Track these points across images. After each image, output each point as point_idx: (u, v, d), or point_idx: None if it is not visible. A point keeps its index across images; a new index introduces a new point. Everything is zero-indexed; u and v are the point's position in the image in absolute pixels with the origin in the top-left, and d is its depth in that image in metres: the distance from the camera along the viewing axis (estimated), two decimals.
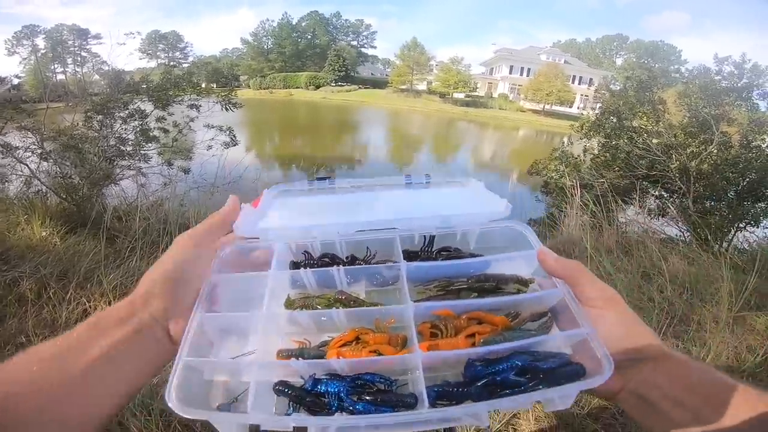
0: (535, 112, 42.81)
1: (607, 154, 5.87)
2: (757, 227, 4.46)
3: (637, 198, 4.95)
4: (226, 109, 5.45)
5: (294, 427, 0.42)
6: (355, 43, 63.61)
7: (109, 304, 2.34)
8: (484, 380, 0.46)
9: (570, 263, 0.53)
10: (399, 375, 0.50)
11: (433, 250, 0.66)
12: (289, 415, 0.47)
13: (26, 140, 4.20)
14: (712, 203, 4.78)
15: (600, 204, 4.32)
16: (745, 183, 4.63)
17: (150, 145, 4.95)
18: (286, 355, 0.52)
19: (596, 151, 6.20)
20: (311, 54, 58.93)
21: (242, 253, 0.63)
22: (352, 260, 0.66)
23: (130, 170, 4.69)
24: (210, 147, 5.24)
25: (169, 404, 0.41)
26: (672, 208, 4.78)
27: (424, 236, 0.65)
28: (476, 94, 48.47)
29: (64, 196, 4.05)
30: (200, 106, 5.26)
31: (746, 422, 0.38)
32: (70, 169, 4.20)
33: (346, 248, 0.66)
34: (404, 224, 0.66)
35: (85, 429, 0.41)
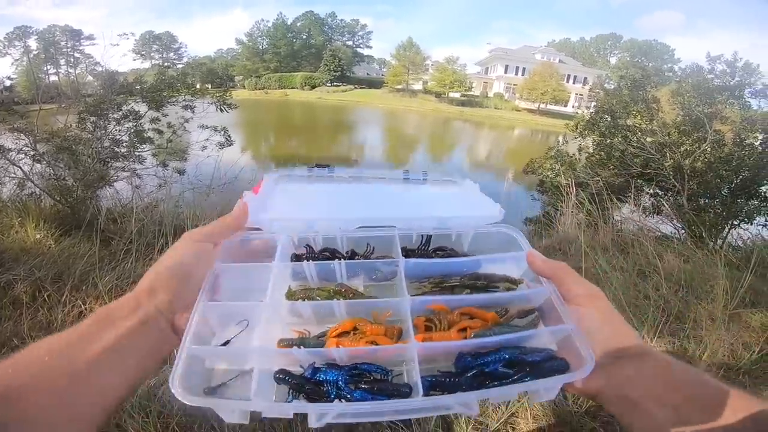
0: (530, 111, 42.95)
1: (602, 153, 5.90)
2: (751, 224, 4.50)
3: (632, 196, 4.99)
4: (221, 110, 5.42)
5: (294, 414, 0.43)
6: (350, 43, 63.60)
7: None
8: (473, 371, 0.48)
9: (556, 264, 0.57)
10: (394, 366, 0.52)
11: (429, 249, 0.69)
12: (289, 402, 0.49)
13: (19, 142, 4.16)
14: (706, 201, 4.81)
15: (595, 202, 4.35)
16: (738, 180, 4.67)
17: (144, 146, 4.91)
18: (286, 344, 0.53)
19: (591, 150, 6.23)
20: (306, 54, 58.85)
21: (245, 244, 0.65)
22: (352, 255, 0.68)
23: (125, 172, 4.66)
24: (205, 147, 5.21)
25: (174, 393, 0.42)
26: (667, 206, 4.81)
27: (422, 236, 0.69)
28: (472, 93, 48.57)
29: (58, 198, 4.01)
30: (195, 107, 5.23)
31: (728, 421, 0.38)
32: (64, 171, 4.17)
33: (347, 243, 0.69)
34: (404, 223, 0.69)
35: (92, 419, 0.41)
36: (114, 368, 0.43)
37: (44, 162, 4.20)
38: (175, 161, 5.21)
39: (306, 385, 0.49)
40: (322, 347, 0.52)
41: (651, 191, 5.38)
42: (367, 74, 61.63)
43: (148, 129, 4.97)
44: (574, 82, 47.12)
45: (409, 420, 1.58)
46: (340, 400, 0.47)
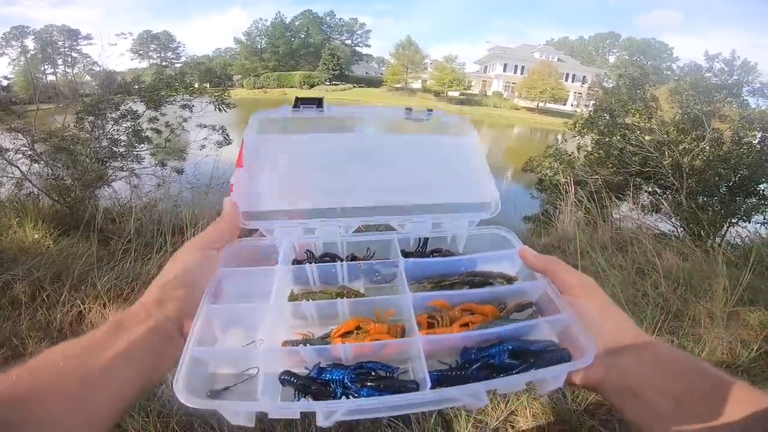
0: (529, 109, 42.94)
1: (601, 151, 5.91)
2: (749, 222, 4.51)
3: (631, 194, 4.99)
4: (220, 110, 5.40)
5: (301, 413, 0.43)
6: (349, 41, 63.48)
7: (104, 306, 2.33)
8: (478, 364, 0.49)
9: (548, 258, 0.59)
10: (399, 364, 0.53)
11: (426, 251, 0.74)
12: (296, 402, 0.49)
13: (17, 142, 4.14)
14: (705, 199, 4.82)
15: (594, 200, 4.35)
16: (736, 178, 4.69)
17: (142, 145, 4.89)
18: (291, 346, 0.54)
19: (590, 148, 6.24)
20: (305, 53, 58.67)
21: (246, 250, 0.65)
22: (353, 259, 0.70)
23: (123, 171, 4.64)
24: (203, 147, 5.19)
25: (177, 395, 0.42)
26: (665, 204, 4.82)
27: (419, 239, 0.74)
28: (471, 92, 48.52)
29: (56, 198, 4.00)
30: (193, 106, 5.21)
31: (730, 413, 0.38)
32: (62, 171, 4.15)
33: (347, 248, 0.71)
34: (401, 213, 0.72)
35: (104, 421, 0.42)
36: (126, 373, 0.44)
37: (42, 162, 4.18)
38: (173, 160, 5.19)
39: (312, 386, 0.48)
40: None
41: (650, 189, 5.39)
42: (366, 73, 61.48)
43: (147, 128, 4.95)
44: (572, 81, 47.12)
45: (409, 419, 1.59)
46: (347, 398, 0.47)
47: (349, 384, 0.47)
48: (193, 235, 0.61)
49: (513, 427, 1.67)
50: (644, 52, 49.46)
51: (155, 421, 1.54)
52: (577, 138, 6.40)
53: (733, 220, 4.56)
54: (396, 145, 0.80)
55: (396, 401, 0.43)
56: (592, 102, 7.61)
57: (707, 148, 4.85)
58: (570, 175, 5.33)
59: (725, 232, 4.56)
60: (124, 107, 4.71)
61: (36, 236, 3.19)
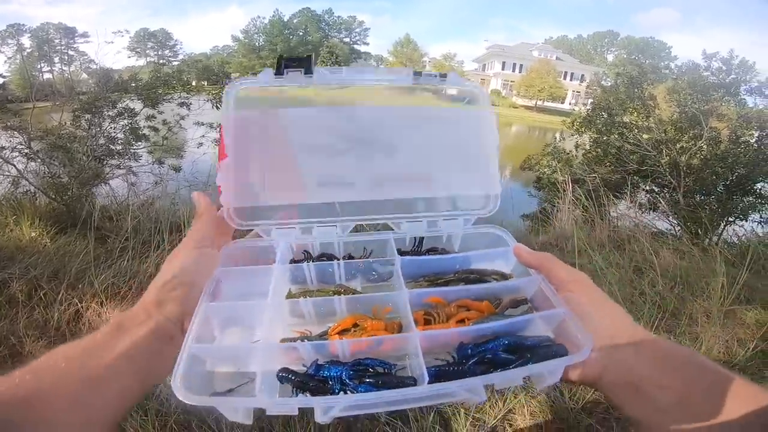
0: (527, 108, 42.94)
1: (599, 150, 5.91)
2: (746, 221, 4.53)
3: (629, 193, 5.01)
4: (217, 107, 5.38)
5: (299, 410, 0.43)
6: (347, 39, 63.31)
7: (101, 304, 2.32)
8: (475, 359, 0.49)
9: (542, 254, 0.59)
10: (396, 361, 0.53)
11: (422, 250, 0.75)
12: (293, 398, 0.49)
13: (13, 140, 4.12)
14: (702, 197, 4.84)
15: (592, 199, 4.36)
16: (733, 177, 4.70)
17: (140, 143, 4.87)
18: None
19: (588, 147, 6.24)
20: (303, 51, 58.29)
21: (244, 251, 0.65)
22: (349, 259, 0.71)
23: (120, 169, 4.62)
24: (201, 144, 5.17)
25: (175, 392, 0.42)
26: (663, 203, 4.83)
27: (414, 238, 0.74)
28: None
29: (53, 196, 3.98)
30: (191, 104, 5.19)
31: (731, 406, 0.38)
32: (59, 169, 4.13)
33: (344, 248, 0.72)
34: (399, 216, 0.71)
35: (106, 421, 0.43)
36: (127, 374, 0.44)
37: (39, 160, 4.16)
38: (170, 158, 5.17)
39: (310, 382, 0.48)
40: None
41: (647, 188, 5.40)
42: None
43: (144, 126, 4.93)
44: (571, 79, 47.15)
45: (407, 417, 1.59)
46: (345, 394, 0.47)
47: (347, 380, 0.47)
48: None
49: (511, 425, 1.68)
50: (642, 50, 49.52)
51: (153, 420, 1.54)
52: (575, 136, 6.40)
53: (730, 219, 4.59)
54: (398, 123, 0.72)
55: (394, 396, 0.43)
56: (590, 100, 7.61)
57: (705, 146, 4.86)
58: (568, 174, 5.33)
59: (722, 231, 4.58)
60: (121, 105, 4.69)
61: (33, 234, 3.17)
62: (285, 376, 0.49)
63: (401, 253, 0.70)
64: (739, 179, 4.67)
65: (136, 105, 4.84)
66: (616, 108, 5.74)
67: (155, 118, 5.02)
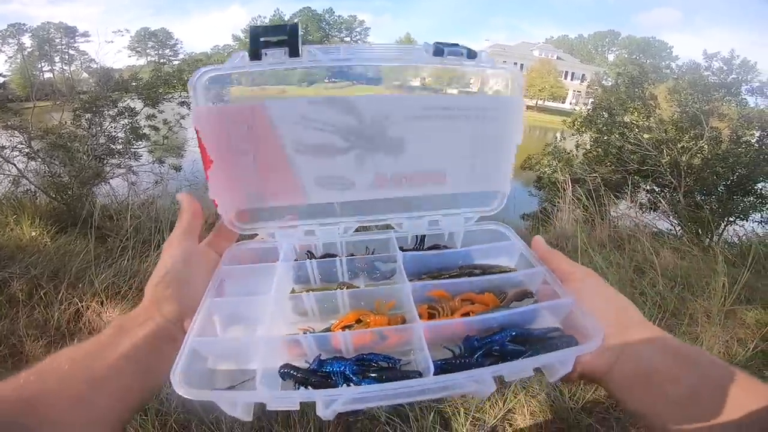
0: (528, 107, 42.07)
1: (599, 149, 5.91)
2: (746, 221, 4.52)
3: (629, 192, 5.00)
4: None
5: (301, 405, 0.41)
6: (348, 39, 63.17)
7: (101, 303, 2.32)
8: (481, 351, 0.48)
9: (553, 250, 0.60)
10: (401, 356, 0.52)
11: (424, 248, 0.74)
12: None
13: (13, 139, 4.13)
14: (703, 197, 4.83)
15: (592, 198, 4.35)
16: (734, 177, 4.70)
17: (140, 143, 4.89)
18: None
19: (588, 146, 6.24)
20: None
21: (247, 252, 0.65)
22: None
23: (121, 169, 4.63)
24: None
25: (174, 387, 0.41)
26: (663, 203, 4.83)
27: (416, 236, 0.73)
28: (469, 89, 48.37)
29: (53, 196, 3.98)
30: (191, 103, 5.20)
31: (743, 403, 0.38)
32: (59, 168, 4.14)
33: (347, 248, 0.71)
34: (401, 216, 0.69)
35: (111, 422, 0.43)
36: (130, 375, 0.45)
37: (39, 159, 4.16)
38: (171, 158, 5.19)
39: (312, 378, 0.48)
40: None
41: (648, 188, 5.39)
42: None
43: (144, 126, 4.94)
44: (571, 79, 47.09)
45: (407, 416, 1.59)
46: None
47: (351, 375, 0.47)
48: None
49: (511, 425, 1.68)
50: (643, 50, 49.46)
51: (153, 419, 1.54)
52: (576, 136, 6.40)
53: (731, 219, 4.58)
54: (408, 116, 0.59)
55: (399, 389, 0.41)
56: (591, 100, 7.62)
57: (705, 146, 4.86)
58: (568, 173, 5.33)
59: (723, 231, 4.57)
60: (121, 104, 4.71)
61: (33, 234, 3.17)
62: (287, 371, 0.49)
63: (403, 250, 0.70)
64: (740, 179, 4.67)
65: (137, 104, 4.86)
66: (617, 108, 5.73)
67: (156, 117, 5.03)
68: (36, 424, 0.38)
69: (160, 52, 57.03)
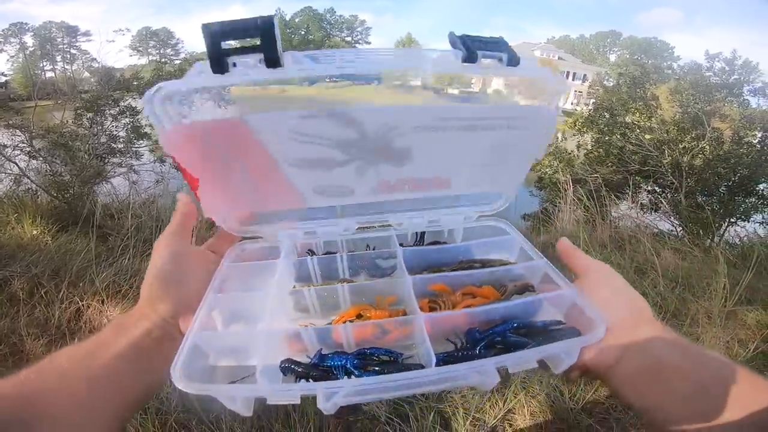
0: None
1: (601, 150, 5.90)
2: (748, 222, 4.51)
3: (630, 193, 4.99)
4: (219, 106, 5.39)
5: (302, 400, 0.41)
6: (349, 38, 63.19)
7: (102, 302, 2.32)
8: (484, 342, 0.48)
9: (575, 249, 0.58)
10: (403, 350, 0.51)
11: (424, 244, 0.75)
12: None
13: (15, 138, 4.14)
14: (704, 198, 4.82)
15: (593, 199, 4.34)
16: (736, 178, 4.69)
17: (141, 142, 4.90)
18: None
19: (589, 147, 6.23)
20: (305, 50, 58.39)
21: (248, 253, 0.66)
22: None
23: (122, 167, 4.64)
24: None
25: (174, 381, 0.41)
26: (664, 203, 4.82)
27: (416, 233, 0.74)
28: (471, 89, 48.43)
29: (54, 194, 3.99)
30: (192, 102, 5.21)
31: (752, 399, 0.38)
32: (61, 167, 4.15)
33: (347, 246, 0.71)
34: (401, 215, 0.70)
35: (110, 420, 0.44)
36: (128, 374, 0.45)
37: (40, 158, 4.18)
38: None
39: (314, 372, 0.48)
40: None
41: (649, 188, 5.38)
42: None
43: (145, 125, 4.95)
44: (573, 79, 46.97)
45: (407, 416, 1.59)
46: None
47: (352, 369, 0.47)
48: None
49: (511, 425, 1.68)
50: (645, 50, 49.42)
51: (153, 419, 1.54)
52: (577, 136, 6.39)
53: (732, 220, 4.57)
54: (417, 127, 0.53)
55: (401, 380, 0.40)
56: (592, 100, 7.60)
57: (707, 147, 4.85)
58: (569, 174, 5.32)
59: (724, 232, 4.56)
60: (122, 103, 4.72)
61: (34, 232, 3.18)
62: (288, 366, 0.49)
63: (403, 247, 0.70)
64: (742, 180, 4.66)
65: (138, 103, 4.85)
66: (619, 108, 5.73)
67: None
68: (36, 421, 0.38)
69: (161, 51, 57.06)
